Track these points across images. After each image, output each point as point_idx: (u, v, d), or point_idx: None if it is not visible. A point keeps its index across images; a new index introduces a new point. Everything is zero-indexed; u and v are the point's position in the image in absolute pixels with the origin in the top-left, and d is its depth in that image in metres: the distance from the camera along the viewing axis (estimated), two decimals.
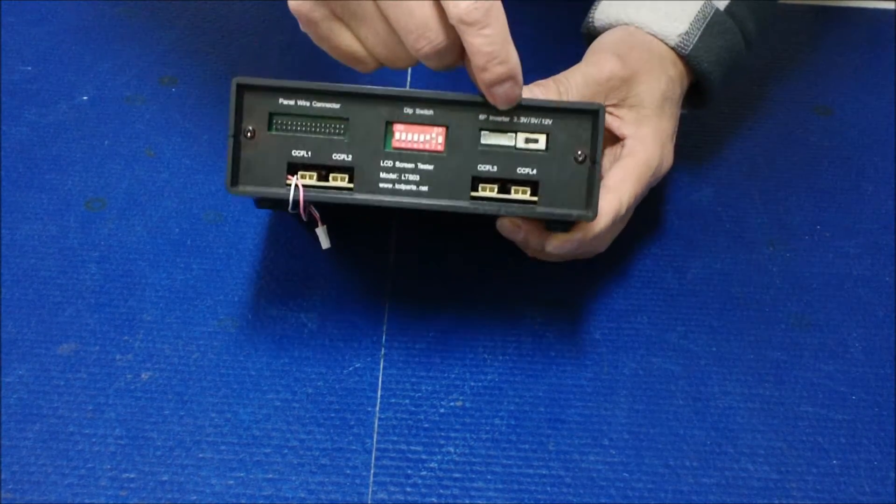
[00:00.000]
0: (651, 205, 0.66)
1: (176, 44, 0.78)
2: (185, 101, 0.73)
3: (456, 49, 0.50)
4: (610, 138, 0.61)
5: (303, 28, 0.52)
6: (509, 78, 0.50)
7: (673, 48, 0.63)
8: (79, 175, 0.67)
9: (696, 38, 0.63)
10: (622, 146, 0.60)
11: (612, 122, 0.60)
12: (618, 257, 0.63)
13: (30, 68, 0.75)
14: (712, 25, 0.63)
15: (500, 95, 0.51)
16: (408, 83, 0.75)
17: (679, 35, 0.62)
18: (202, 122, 0.72)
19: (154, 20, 0.80)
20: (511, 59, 0.49)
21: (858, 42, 0.83)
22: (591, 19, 0.66)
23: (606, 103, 0.60)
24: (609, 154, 0.61)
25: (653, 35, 0.63)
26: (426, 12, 0.49)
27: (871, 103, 0.77)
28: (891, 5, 0.87)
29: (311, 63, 0.75)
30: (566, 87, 0.58)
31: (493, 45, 0.49)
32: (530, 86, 0.58)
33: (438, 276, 0.63)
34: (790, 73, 0.79)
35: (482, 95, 0.51)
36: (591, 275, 0.63)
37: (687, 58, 0.63)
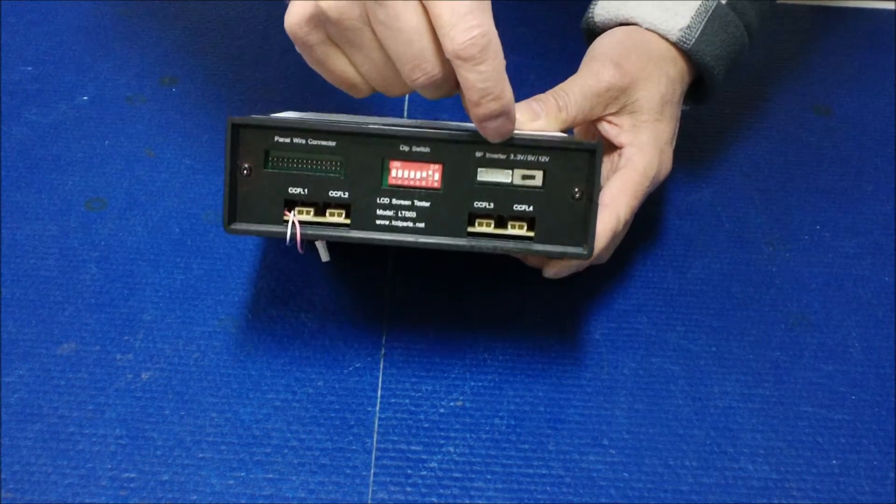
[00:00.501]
0: (651, 205, 0.66)
1: (176, 44, 0.78)
2: (185, 101, 0.73)
3: (451, 80, 0.50)
4: (608, 146, 0.61)
5: (298, 50, 0.52)
6: (502, 114, 0.50)
7: (674, 43, 0.62)
8: (79, 175, 0.67)
9: (698, 33, 0.62)
10: (620, 155, 0.60)
11: (609, 130, 0.60)
12: (618, 257, 0.63)
13: (30, 68, 0.75)
14: (714, 19, 0.63)
15: (491, 129, 0.50)
16: (406, 106, 0.75)
17: (680, 29, 0.62)
18: (202, 122, 0.72)
19: (154, 20, 0.80)
20: (505, 95, 0.49)
21: (858, 42, 0.83)
22: (591, 15, 0.65)
23: (605, 112, 0.60)
24: (607, 162, 0.61)
25: (653, 30, 0.62)
26: (424, 44, 0.48)
27: (871, 103, 0.77)
28: (891, 5, 0.87)
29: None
30: (565, 101, 0.58)
31: (487, 82, 0.48)
32: (528, 100, 0.58)
33: (438, 276, 0.63)
34: (790, 73, 0.79)
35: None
36: (591, 275, 0.63)
37: (689, 52, 0.62)
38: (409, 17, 0.48)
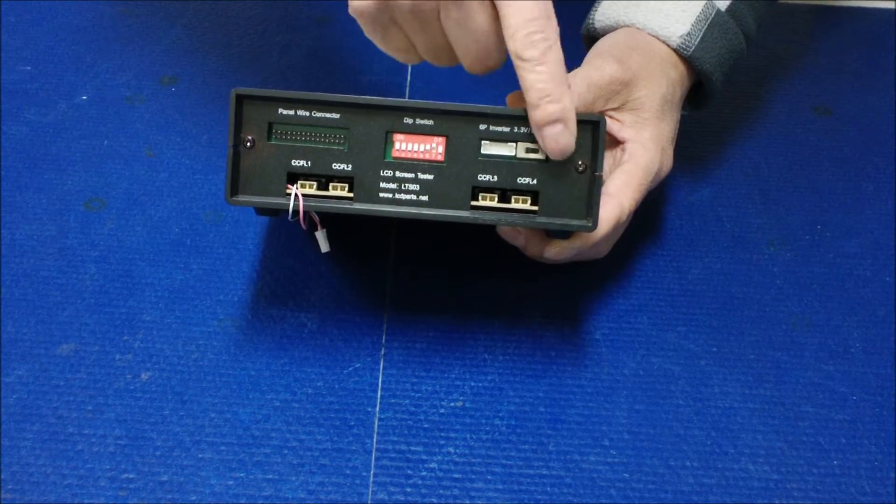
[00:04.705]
0: (651, 205, 0.66)
1: (176, 44, 0.78)
2: (185, 101, 0.73)
3: (501, 63, 0.53)
4: (610, 142, 0.61)
5: (359, 23, 0.53)
6: (560, 120, 0.51)
7: (675, 49, 0.63)
8: (79, 175, 0.67)
9: (698, 40, 0.63)
10: (622, 150, 0.60)
11: (612, 125, 0.60)
12: (618, 257, 0.63)
13: (30, 68, 0.75)
14: (714, 26, 0.63)
15: (550, 139, 0.51)
16: (408, 83, 0.75)
17: (681, 36, 0.62)
18: (202, 122, 0.72)
19: (154, 20, 0.80)
20: (563, 100, 0.50)
21: (858, 42, 0.83)
22: (591, 21, 0.66)
23: (607, 107, 0.60)
24: (609, 157, 0.61)
25: (654, 36, 0.63)
26: (489, 43, 0.51)
27: (871, 103, 0.77)
28: (891, 5, 0.87)
29: (311, 64, 0.75)
30: None
31: (546, 83, 0.50)
32: None
33: (438, 275, 0.63)
34: (790, 73, 0.79)
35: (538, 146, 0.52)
36: (591, 275, 0.63)
37: (689, 59, 0.63)
38: (480, 19, 0.50)
